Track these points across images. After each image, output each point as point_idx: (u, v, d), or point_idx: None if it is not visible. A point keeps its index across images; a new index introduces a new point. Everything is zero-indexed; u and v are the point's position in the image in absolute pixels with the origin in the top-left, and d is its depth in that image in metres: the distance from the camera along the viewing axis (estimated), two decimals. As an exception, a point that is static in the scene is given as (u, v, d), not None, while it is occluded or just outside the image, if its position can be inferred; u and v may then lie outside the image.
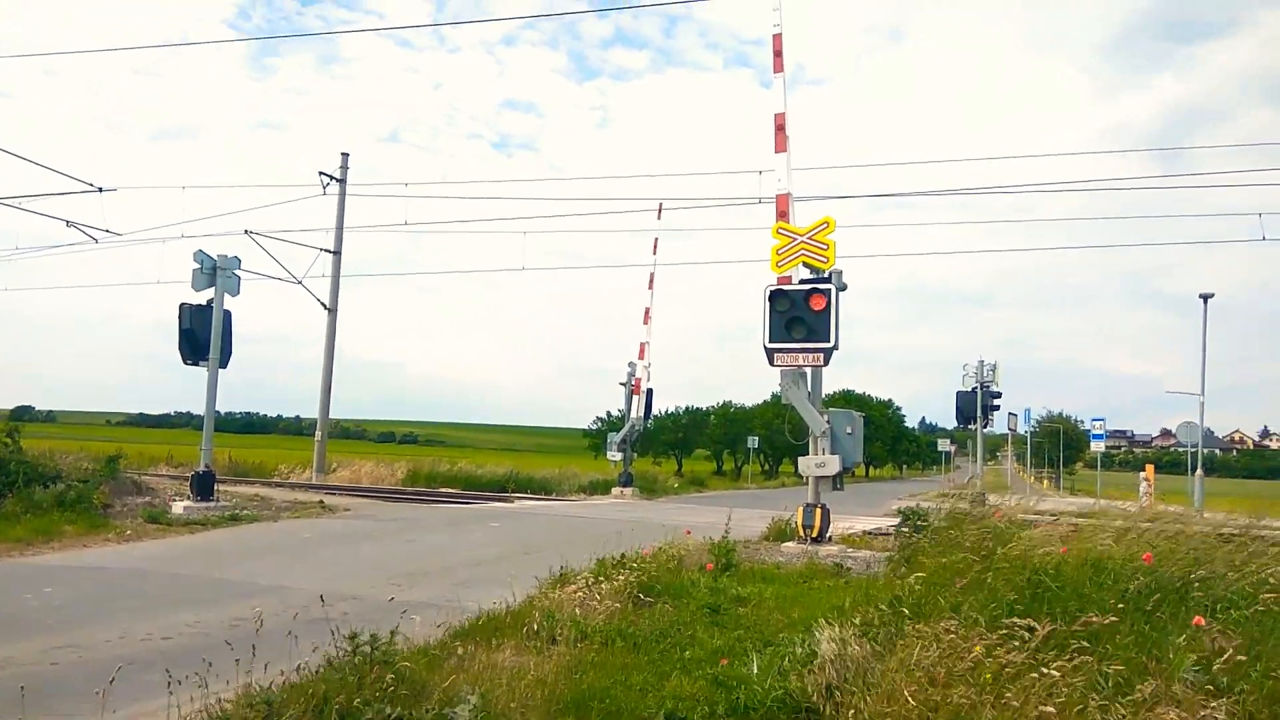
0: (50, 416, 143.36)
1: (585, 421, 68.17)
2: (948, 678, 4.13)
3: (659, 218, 28.64)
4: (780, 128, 14.28)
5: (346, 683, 4.57)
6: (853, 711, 4.50)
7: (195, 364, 17.01)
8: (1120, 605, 5.94)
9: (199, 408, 17.67)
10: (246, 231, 27.05)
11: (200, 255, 17.04)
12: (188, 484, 17.63)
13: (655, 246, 29.44)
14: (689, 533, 11.70)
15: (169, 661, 4.62)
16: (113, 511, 15.55)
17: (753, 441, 48.51)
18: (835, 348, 13.17)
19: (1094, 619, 4.74)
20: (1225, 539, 8.37)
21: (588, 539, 11.91)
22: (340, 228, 31.29)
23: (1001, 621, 4.92)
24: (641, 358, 30.27)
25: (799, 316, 13.20)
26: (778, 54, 14.44)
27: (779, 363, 13.47)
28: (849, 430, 13.86)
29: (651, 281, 29.66)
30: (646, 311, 30.00)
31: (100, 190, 23.84)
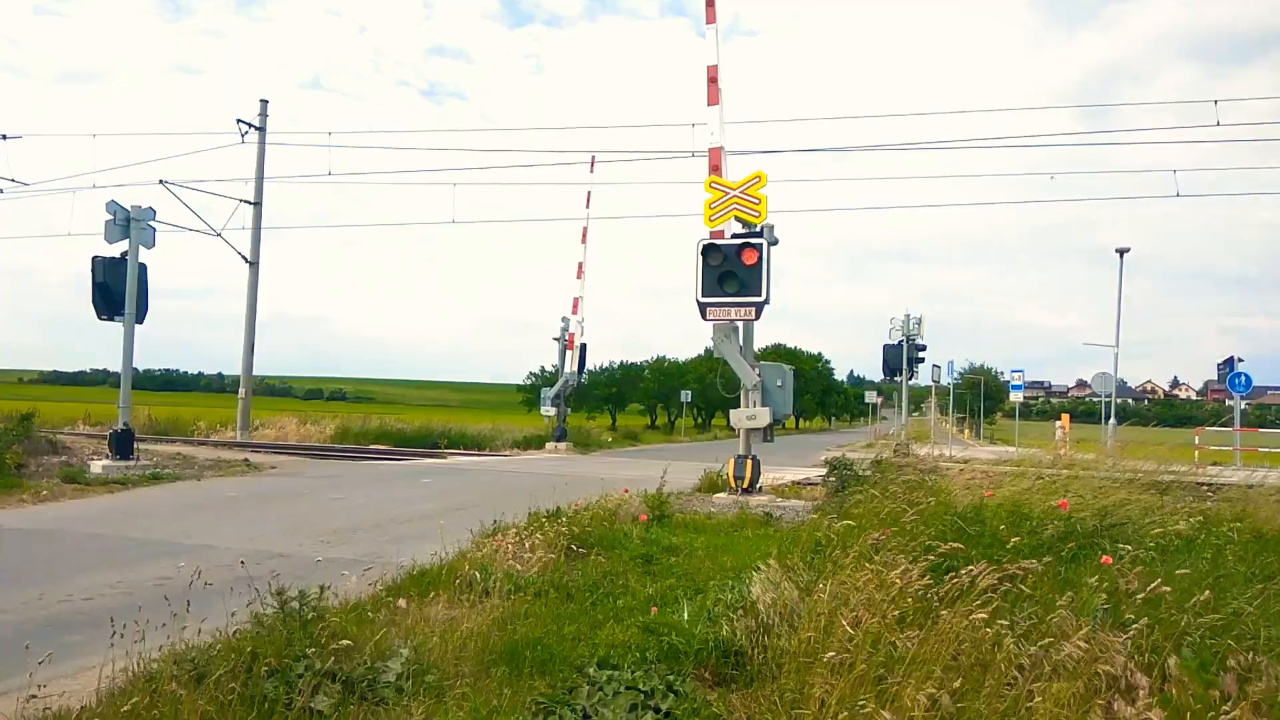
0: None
1: (519, 377, 67.89)
2: (865, 609, 4.28)
3: (592, 171, 28.51)
4: (713, 80, 14.21)
5: (275, 639, 4.52)
6: (776, 650, 4.63)
7: (110, 319, 16.43)
8: (1038, 548, 6.21)
9: (116, 365, 17.12)
10: (161, 181, 26.10)
11: (113, 206, 16.37)
12: (106, 443, 17.13)
13: (588, 200, 29.30)
14: (626, 491, 11.80)
15: (91, 622, 4.52)
16: (27, 472, 15.05)
17: (686, 396, 48.94)
18: (767, 302, 13.30)
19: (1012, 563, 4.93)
20: (1140, 486, 8.78)
21: (522, 493, 11.93)
22: (260, 178, 30.33)
23: (921, 557, 5.10)
24: (575, 312, 30.25)
25: (731, 271, 13.28)
26: (710, 4, 14.31)
27: (711, 317, 13.56)
28: (779, 384, 14.06)
29: (585, 236, 29.58)
30: (580, 266, 29.93)
31: (4, 138, 22.72)
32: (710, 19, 14.29)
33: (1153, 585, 4.53)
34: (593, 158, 28.25)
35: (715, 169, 13.95)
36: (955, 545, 5.10)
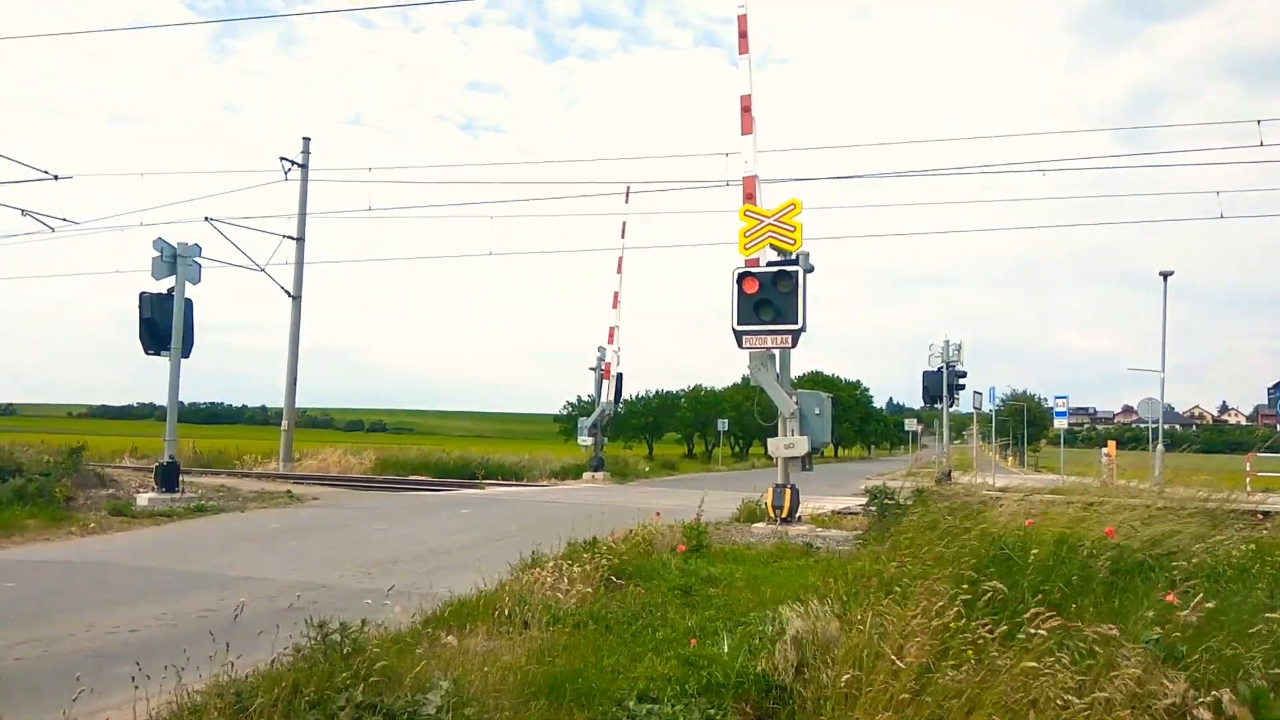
0: (9, 410, 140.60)
1: (555, 407, 68.09)
2: (911, 645, 4.20)
3: (627, 201, 28.61)
4: (746, 109, 14.28)
5: (317, 671, 4.54)
6: (818, 685, 4.56)
7: (157, 354, 16.76)
8: (1087, 579, 6.07)
9: (162, 399, 17.46)
10: (207, 219, 26.70)
11: (160, 243, 16.76)
12: (152, 475, 17.41)
13: (624, 230, 29.41)
14: (658, 515, 11.75)
15: (137, 654, 4.57)
16: (76, 505, 15.32)
17: (723, 424, 48.76)
18: (803, 329, 13.25)
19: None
20: (1189, 515, 8.55)
21: (559, 523, 11.92)
22: (303, 214, 30.90)
23: (962, 590, 5.00)
24: (611, 342, 30.30)
25: (767, 299, 13.26)
26: (743, 35, 14.42)
27: (748, 345, 13.53)
28: (817, 411, 13.97)
29: (620, 265, 29.62)
30: (615, 296, 29.99)
31: (56, 178, 23.38)
32: (743, 49, 14.39)
33: (1205, 615, 4.40)
34: (628, 189, 28.37)
35: (749, 197, 13.98)
36: (997, 585, 4.98)
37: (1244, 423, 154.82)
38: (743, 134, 14.34)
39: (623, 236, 29.41)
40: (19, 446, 19.38)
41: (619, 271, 29.65)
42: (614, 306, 30.08)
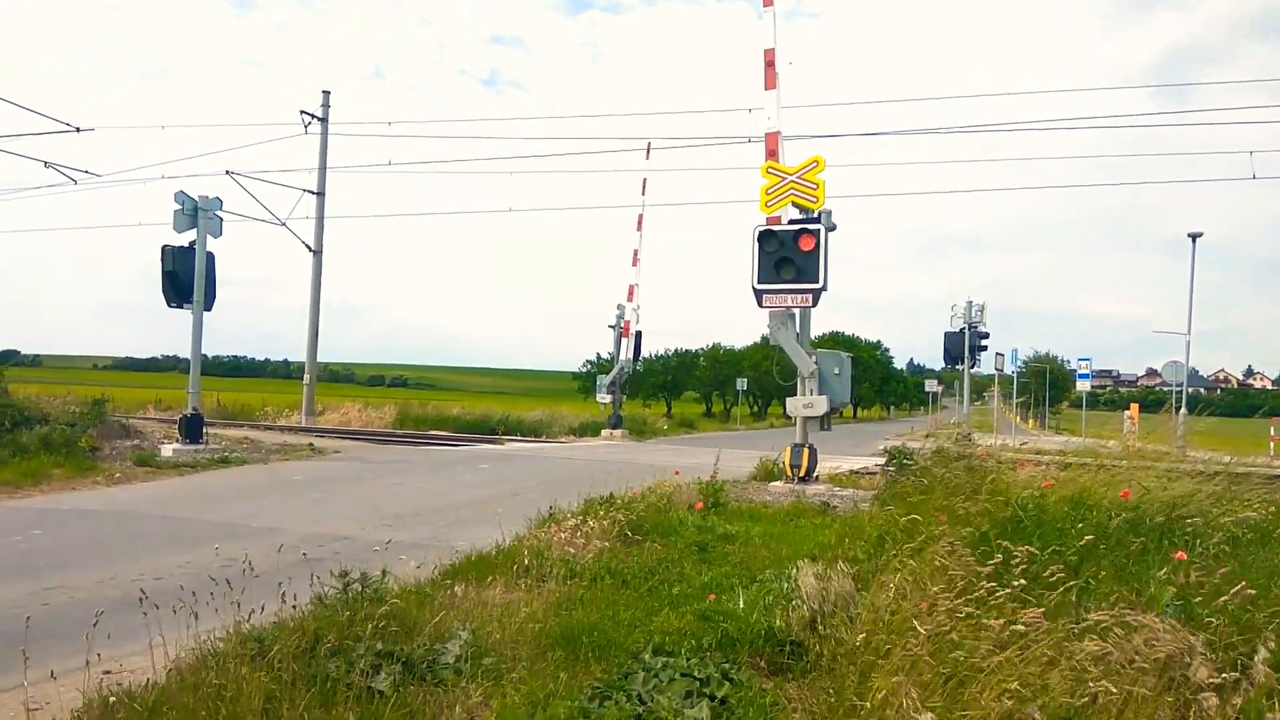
0: (36, 360, 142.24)
1: (575, 364, 68.20)
2: (926, 603, 4.19)
3: (647, 157, 28.33)
4: (770, 63, 14.05)
5: (337, 620, 4.61)
6: (834, 642, 4.58)
7: (179, 306, 16.89)
8: (1101, 539, 6.03)
9: (186, 351, 17.59)
10: (228, 172, 26.64)
11: (181, 196, 16.80)
12: (176, 427, 17.63)
13: (644, 187, 29.21)
14: (677, 473, 11.78)
15: (160, 601, 4.65)
16: (101, 455, 15.55)
17: (741, 383, 48.74)
18: (824, 288, 13.15)
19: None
20: (1208, 476, 8.46)
21: (577, 480, 11.98)
22: (323, 168, 30.83)
23: (980, 550, 4.98)
24: (630, 299, 30.20)
25: (788, 257, 13.15)
26: None
27: (768, 304, 13.45)
28: (836, 371, 13.91)
29: (640, 223, 29.47)
30: (635, 253, 29.86)
31: (78, 130, 23.40)
32: (768, 1, 14.11)
33: (1222, 579, 4.37)
34: (648, 145, 28.04)
35: (772, 154, 13.80)
36: (1009, 543, 4.96)
37: (1270, 387, 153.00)
38: (766, 89, 14.11)
39: (643, 193, 29.25)
40: (45, 397, 19.65)
41: (639, 229, 29.52)
42: (634, 264, 29.97)
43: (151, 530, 9.53)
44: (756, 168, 14.04)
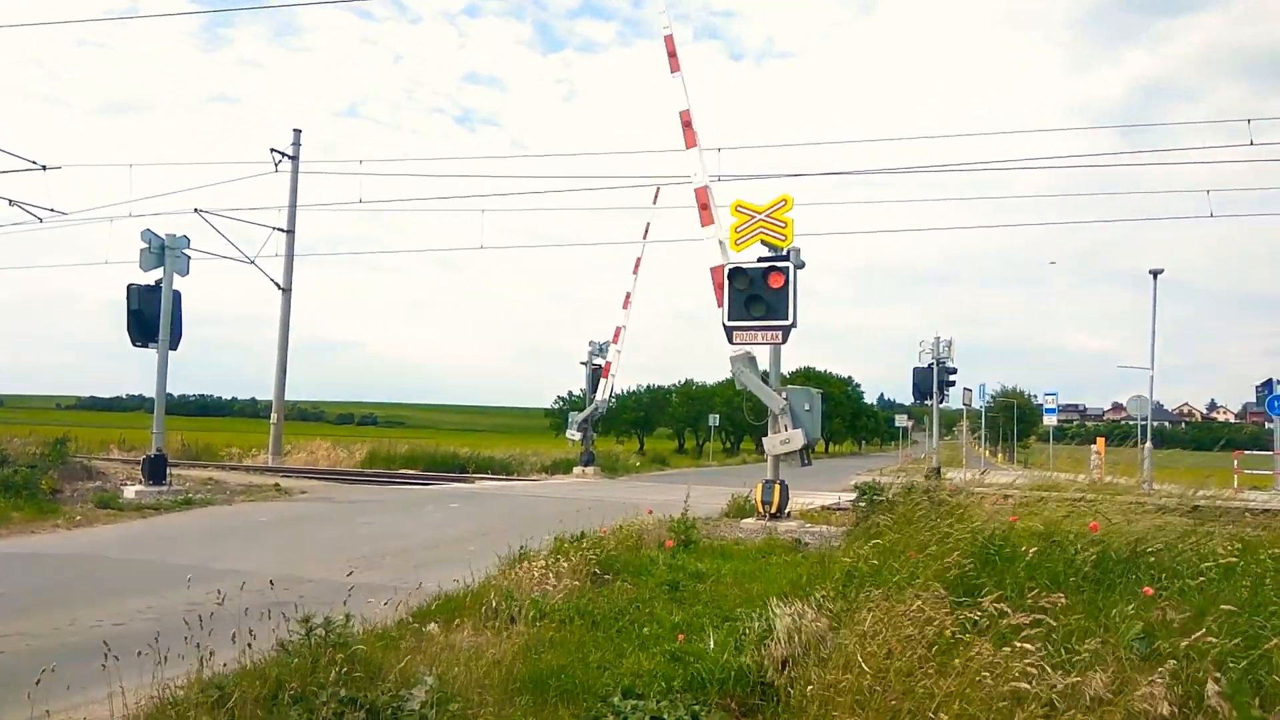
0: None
1: (545, 400, 68.06)
2: (898, 644, 4.19)
3: (655, 201, 27.24)
4: (687, 124, 14.50)
5: (300, 666, 4.53)
6: (806, 683, 4.56)
7: (145, 346, 16.68)
8: (1069, 575, 6.08)
9: (151, 390, 17.35)
10: (196, 210, 26.49)
11: (148, 234, 16.67)
12: (139, 468, 17.34)
13: (646, 231, 28.41)
14: (649, 510, 11.74)
15: (121, 648, 4.55)
16: (62, 497, 15.25)
17: (714, 420, 48.81)
18: (794, 325, 13.26)
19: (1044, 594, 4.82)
20: (1172, 510, 8.58)
21: (548, 518, 11.90)
22: (293, 206, 30.81)
23: (949, 586, 5.00)
24: (616, 341, 29.47)
25: (758, 294, 13.27)
26: (672, 55, 14.89)
27: (738, 340, 13.54)
28: (807, 408, 13.96)
29: (637, 266, 28.75)
30: (627, 296, 29.11)
31: (44, 168, 23.24)
32: (674, 68, 14.81)
33: (1189, 617, 4.42)
34: (657, 189, 26.71)
35: (704, 208, 14.17)
36: (978, 581, 5.00)
37: (1233, 420, 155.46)
38: (687, 148, 14.45)
39: (644, 237, 28.34)
40: (5, 437, 19.26)
41: (635, 272, 28.75)
42: (625, 307, 29.18)
43: (113, 574, 9.33)
44: (726, 206, 14.24)
